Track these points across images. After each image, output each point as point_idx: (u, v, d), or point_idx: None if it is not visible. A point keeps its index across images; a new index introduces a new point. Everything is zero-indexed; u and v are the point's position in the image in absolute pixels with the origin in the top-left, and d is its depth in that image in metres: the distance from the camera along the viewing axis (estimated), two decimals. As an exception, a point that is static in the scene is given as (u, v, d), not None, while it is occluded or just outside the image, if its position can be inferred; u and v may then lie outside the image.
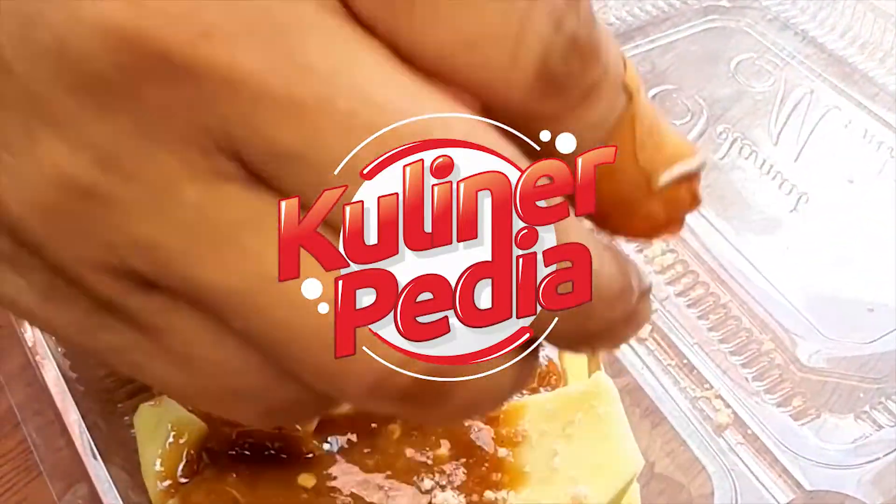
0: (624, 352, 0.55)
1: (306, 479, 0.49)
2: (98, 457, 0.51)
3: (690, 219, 0.62)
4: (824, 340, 0.58)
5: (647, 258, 0.61)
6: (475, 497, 0.48)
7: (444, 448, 0.50)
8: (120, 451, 0.53)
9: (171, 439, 0.52)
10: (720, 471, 0.51)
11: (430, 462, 0.49)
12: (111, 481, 0.50)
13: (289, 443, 0.50)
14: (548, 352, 0.54)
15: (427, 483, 0.48)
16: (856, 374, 0.56)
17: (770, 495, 0.50)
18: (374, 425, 0.51)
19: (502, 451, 0.48)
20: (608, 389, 0.46)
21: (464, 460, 0.49)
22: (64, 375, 0.54)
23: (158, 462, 0.52)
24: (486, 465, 0.49)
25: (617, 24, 0.77)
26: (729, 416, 0.53)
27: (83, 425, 0.52)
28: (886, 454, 0.52)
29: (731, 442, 0.52)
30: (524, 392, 0.52)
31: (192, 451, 0.52)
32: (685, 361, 0.55)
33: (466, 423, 0.50)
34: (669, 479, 0.51)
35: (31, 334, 0.55)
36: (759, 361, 0.57)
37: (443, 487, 0.48)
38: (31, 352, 0.54)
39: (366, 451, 0.50)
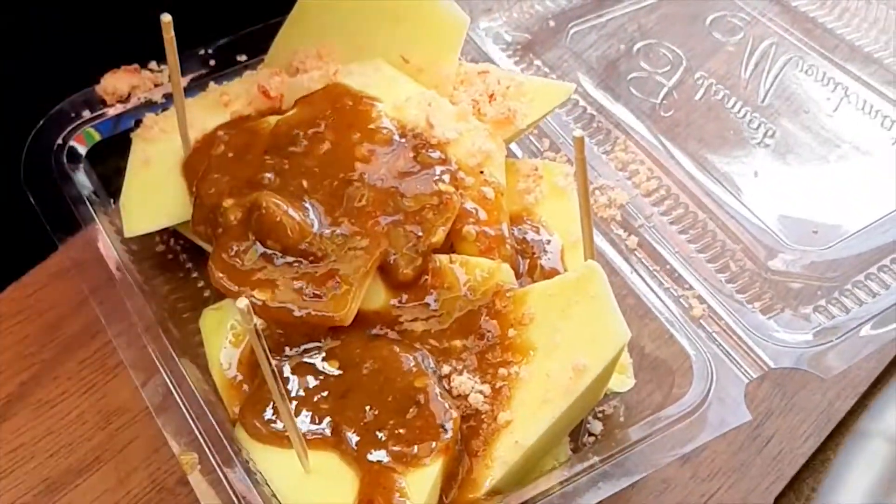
0: (615, 260, 0.64)
1: (333, 364, 0.56)
2: (173, 353, 0.58)
3: (674, 150, 0.72)
4: (789, 250, 0.66)
5: (634, 184, 0.69)
6: (489, 376, 0.55)
7: (459, 338, 0.57)
8: (188, 351, 0.60)
9: (231, 338, 0.60)
10: (699, 354, 0.59)
11: (447, 350, 0.56)
12: (185, 373, 0.57)
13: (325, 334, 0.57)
14: (549, 257, 0.63)
15: (445, 369, 0.55)
16: (816, 276, 0.65)
17: (741, 372, 0.58)
18: (401, 319, 0.58)
19: (511, 332, 0.56)
20: (599, 274, 0.54)
21: (478, 346, 0.56)
22: (140, 288, 0.62)
23: (223, 357, 0.60)
24: (498, 347, 0.56)
25: (607, -13, 0.86)
26: (705, 311, 0.62)
27: (159, 329, 0.59)
28: (838, 338, 0.60)
29: (709, 331, 0.61)
30: (529, 279, 0.60)
31: (248, 352, 0.60)
32: (668, 266, 0.64)
33: (478, 313, 0.57)
34: (657, 361, 0.60)
35: (109, 252, 0.63)
36: (732, 268, 0.65)
37: (459, 372, 0.55)
38: (112, 266, 0.62)
39: (392, 340, 0.57)
